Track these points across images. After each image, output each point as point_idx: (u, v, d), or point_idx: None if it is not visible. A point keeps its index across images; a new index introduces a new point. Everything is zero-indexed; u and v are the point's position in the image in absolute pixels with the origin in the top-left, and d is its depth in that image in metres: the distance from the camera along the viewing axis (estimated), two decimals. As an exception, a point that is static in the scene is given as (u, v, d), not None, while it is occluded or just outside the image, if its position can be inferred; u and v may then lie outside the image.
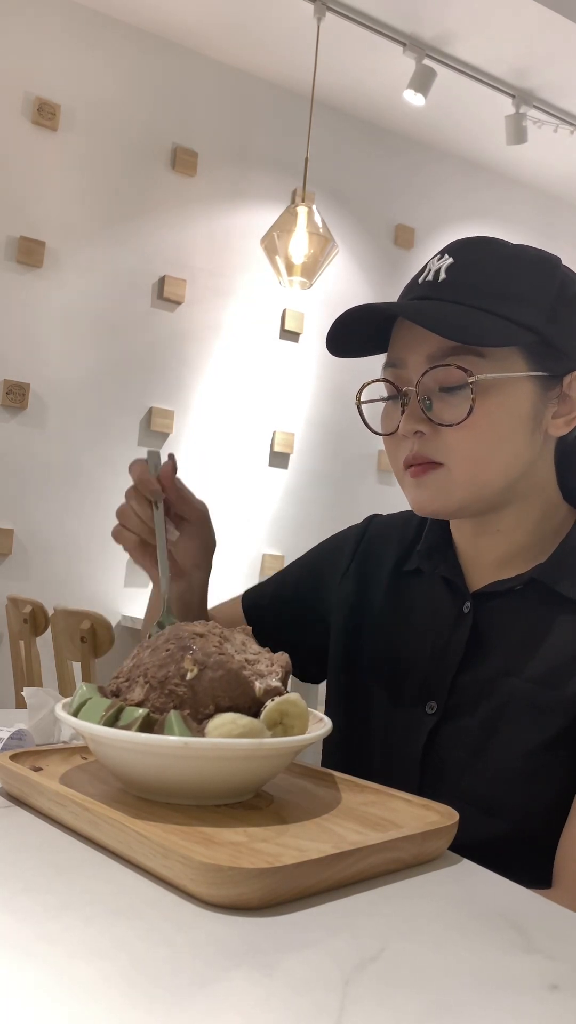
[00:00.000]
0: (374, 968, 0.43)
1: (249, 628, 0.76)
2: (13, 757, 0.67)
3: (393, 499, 3.40)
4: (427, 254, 3.60)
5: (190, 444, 3.39)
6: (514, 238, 0.86)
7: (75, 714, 0.62)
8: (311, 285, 3.03)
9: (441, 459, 0.78)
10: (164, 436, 3.34)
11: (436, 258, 0.81)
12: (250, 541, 3.53)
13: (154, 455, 0.88)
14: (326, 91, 3.49)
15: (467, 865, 0.59)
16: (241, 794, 0.63)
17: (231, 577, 3.38)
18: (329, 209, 3.67)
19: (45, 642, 2.42)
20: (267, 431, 3.59)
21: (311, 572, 1.01)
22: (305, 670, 0.99)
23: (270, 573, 2.35)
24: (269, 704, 0.62)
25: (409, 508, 0.86)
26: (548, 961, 0.46)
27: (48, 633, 2.37)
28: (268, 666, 0.66)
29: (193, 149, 3.43)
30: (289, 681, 0.69)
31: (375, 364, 0.84)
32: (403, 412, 0.79)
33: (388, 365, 0.82)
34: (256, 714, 0.62)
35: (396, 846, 0.56)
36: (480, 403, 0.75)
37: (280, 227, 2.95)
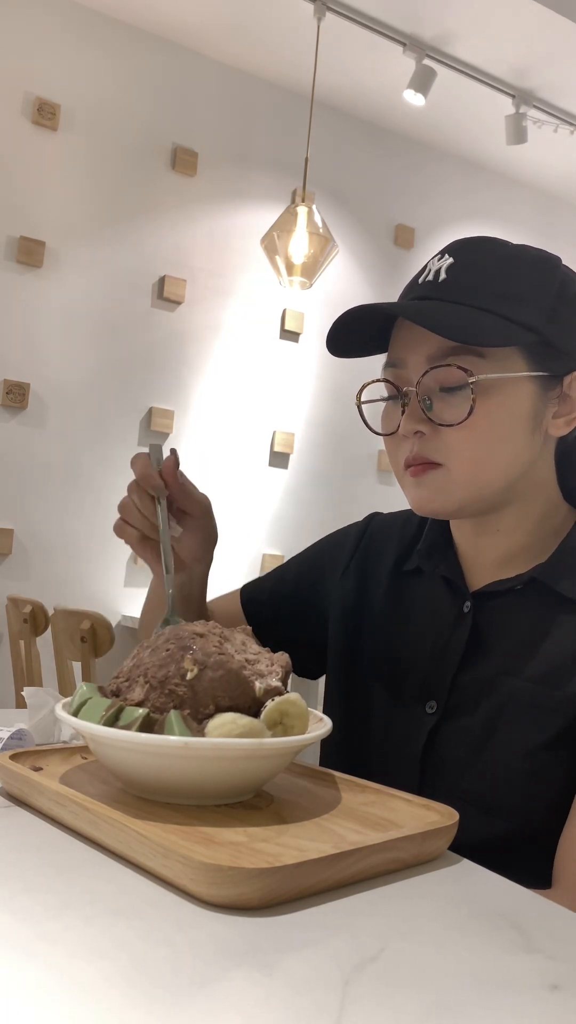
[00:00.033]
0: (374, 968, 0.43)
1: (249, 628, 0.76)
2: (13, 757, 0.67)
3: (393, 499, 3.40)
4: (427, 254, 3.60)
5: (190, 444, 3.39)
6: (514, 238, 0.86)
7: (75, 714, 0.62)
8: (311, 285, 3.03)
9: (440, 459, 0.78)
10: (164, 436, 3.34)
11: (436, 258, 0.81)
12: (250, 541, 3.53)
13: (156, 448, 0.87)
14: (326, 91, 3.49)
15: (467, 865, 0.59)
16: (241, 794, 0.63)
17: (231, 577, 3.38)
18: (329, 209, 3.67)
19: (45, 642, 2.42)
20: (267, 431, 3.59)
21: (311, 568, 1.01)
22: (303, 666, 0.98)
23: (270, 573, 2.35)
24: (269, 704, 0.62)
25: (410, 507, 0.86)
26: (548, 961, 0.46)
27: (48, 633, 2.37)
28: (268, 666, 0.66)
29: (193, 149, 3.43)
30: (289, 681, 0.69)
31: (375, 364, 0.84)
32: (403, 412, 0.79)
33: (388, 365, 0.82)
34: (256, 714, 0.62)
35: (396, 846, 0.56)
36: (480, 403, 0.75)
37: (280, 227, 2.95)
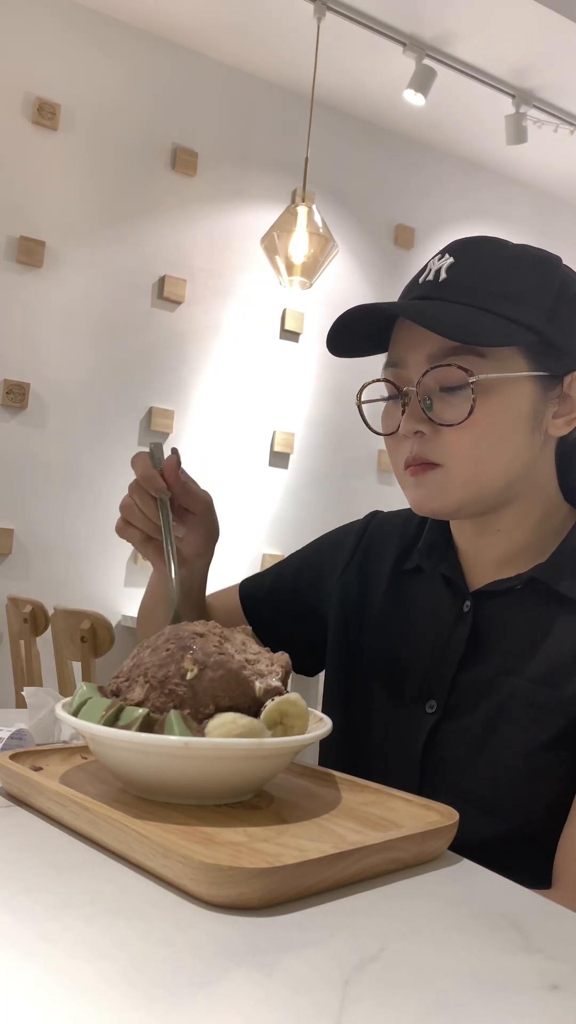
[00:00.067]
0: (374, 968, 0.43)
1: (249, 628, 0.76)
2: (13, 757, 0.67)
3: (393, 499, 3.40)
4: (427, 254, 3.60)
5: (190, 444, 3.39)
6: (514, 238, 0.86)
7: (75, 714, 0.62)
8: (311, 285, 3.03)
9: (439, 459, 0.78)
10: (164, 436, 3.34)
11: (437, 258, 0.81)
12: (250, 541, 3.53)
13: (157, 447, 0.86)
14: (326, 91, 3.49)
15: (467, 865, 0.59)
16: (241, 794, 0.63)
17: (231, 577, 3.37)
18: (329, 209, 3.67)
19: (45, 642, 2.42)
20: (267, 431, 3.59)
21: (310, 566, 1.01)
22: (300, 663, 0.98)
23: (270, 573, 2.35)
24: (269, 704, 0.62)
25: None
26: (548, 961, 0.46)
27: (48, 633, 2.37)
28: (268, 666, 0.66)
29: (193, 149, 3.43)
30: (289, 681, 0.68)
31: (375, 364, 0.84)
32: (403, 412, 0.79)
33: (388, 365, 0.82)
34: (256, 714, 0.62)
35: (396, 846, 0.56)
36: (481, 403, 0.75)
37: (280, 227, 2.95)
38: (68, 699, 0.67)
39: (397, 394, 0.80)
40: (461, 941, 0.47)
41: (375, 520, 1.00)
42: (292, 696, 0.63)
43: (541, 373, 0.77)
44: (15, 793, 0.63)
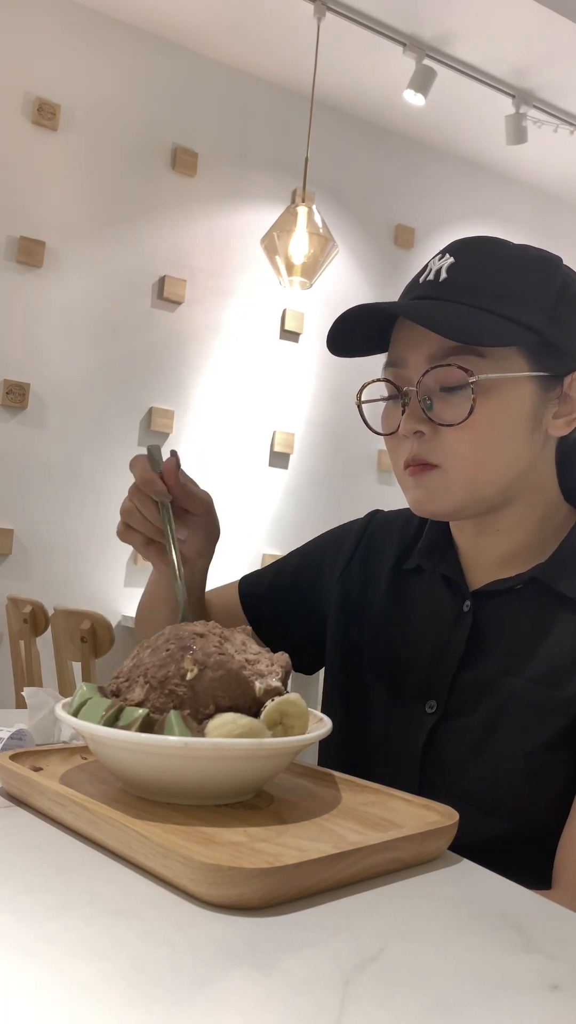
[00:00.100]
0: (374, 968, 0.43)
1: (249, 628, 0.76)
2: (13, 757, 0.67)
3: (393, 499, 3.40)
4: (427, 254, 3.60)
5: (190, 444, 3.39)
6: (514, 238, 0.86)
7: (75, 714, 0.62)
8: (311, 285, 3.03)
9: (437, 461, 0.77)
10: (164, 436, 3.34)
11: (437, 257, 0.81)
12: (250, 541, 3.53)
13: (155, 449, 0.86)
14: (326, 91, 3.49)
15: (467, 865, 0.59)
16: (241, 794, 0.63)
17: (231, 577, 3.38)
18: (329, 209, 3.67)
19: (45, 642, 2.42)
20: (267, 431, 3.59)
21: (310, 565, 1.01)
22: (298, 661, 0.98)
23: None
24: (269, 704, 0.62)
25: (410, 506, 0.86)
26: (548, 961, 0.46)
27: (48, 633, 2.37)
28: (268, 666, 0.66)
29: (193, 149, 3.43)
30: (289, 681, 0.68)
31: (375, 364, 0.84)
32: (403, 412, 0.79)
33: (389, 365, 0.82)
34: (256, 714, 0.62)
35: (396, 846, 0.56)
36: (481, 403, 0.75)
37: (280, 227, 2.95)
38: (68, 699, 0.67)
39: (397, 394, 0.80)
40: (461, 941, 0.47)
41: (375, 519, 1.00)
42: (292, 696, 0.63)
43: (541, 373, 0.77)
44: (15, 793, 0.63)
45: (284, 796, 0.65)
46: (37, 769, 0.65)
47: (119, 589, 3.24)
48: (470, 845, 0.61)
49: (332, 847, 0.53)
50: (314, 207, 2.98)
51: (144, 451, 0.86)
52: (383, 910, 0.50)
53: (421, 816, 0.62)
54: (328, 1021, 0.38)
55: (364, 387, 0.84)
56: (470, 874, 0.58)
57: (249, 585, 1.03)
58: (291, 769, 0.72)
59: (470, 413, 0.74)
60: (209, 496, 0.91)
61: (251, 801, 0.63)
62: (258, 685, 0.63)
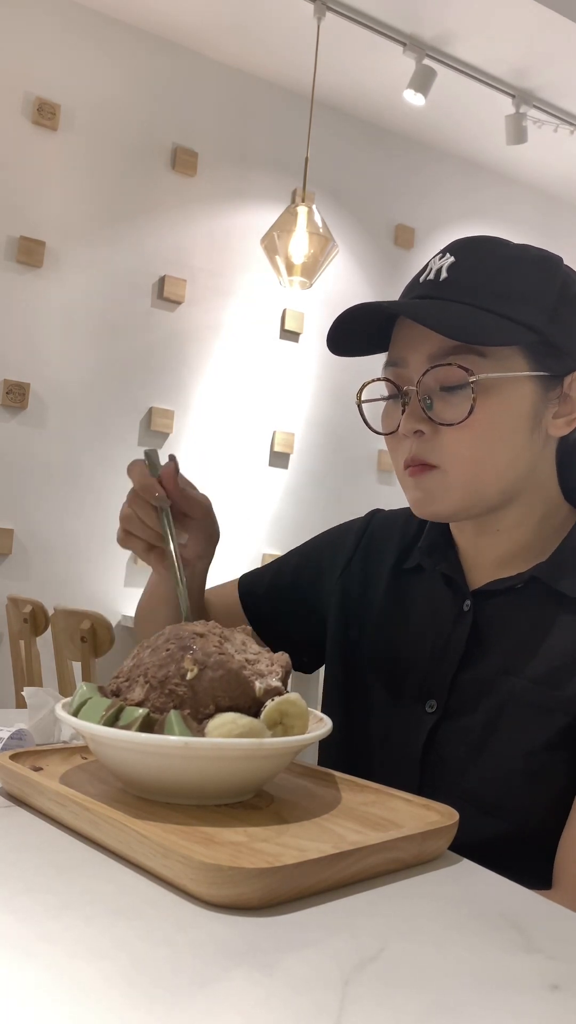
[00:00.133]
0: (374, 968, 0.43)
1: (250, 628, 0.76)
2: (13, 757, 0.67)
3: (393, 499, 3.40)
4: (427, 254, 3.60)
5: (190, 444, 3.39)
6: (514, 238, 0.86)
7: (75, 714, 0.62)
8: (311, 285, 3.03)
9: (437, 461, 0.77)
10: (164, 436, 3.34)
11: (437, 257, 0.81)
12: (250, 541, 3.53)
13: (152, 453, 0.85)
14: (326, 91, 3.49)
15: (467, 865, 0.59)
16: (241, 794, 0.63)
17: (231, 577, 3.38)
18: (329, 209, 3.67)
19: (45, 642, 2.42)
20: (267, 431, 3.59)
21: (310, 563, 1.01)
22: (298, 660, 0.98)
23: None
24: (269, 704, 0.62)
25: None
26: (548, 961, 0.45)
27: (48, 633, 2.37)
28: (268, 666, 0.66)
29: (193, 149, 3.43)
30: (289, 681, 0.68)
31: (376, 364, 0.83)
32: (404, 411, 0.79)
33: (389, 364, 0.82)
34: (256, 714, 0.62)
35: (396, 846, 0.56)
36: (481, 403, 0.75)
37: (280, 227, 2.95)
38: (68, 699, 0.67)
39: (397, 393, 0.80)
40: (461, 941, 0.47)
41: (376, 519, 1.00)
42: (292, 696, 0.63)
43: (541, 373, 0.77)
44: (15, 793, 0.63)
45: (284, 796, 0.65)
46: (37, 769, 0.65)
47: (119, 589, 3.24)
48: (470, 845, 0.61)
49: (332, 847, 0.53)
50: (314, 207, 2.98)
51: (142, 455, 0.86)
52: (383, 910, 0.50)
53: (421, 816, 0.62)
54: (328, 1021, 0.38)
55: (364, 386, 0.84)
56: (470, 874, 0.58)
57: (249, 584, 1.03)
58: (291, 769, 0.72)
59: (470, 413, 0.74)
60: (208, 499, 0.91)
61: (251, 801, 0.63)
62: (258, 685, 0.63)
